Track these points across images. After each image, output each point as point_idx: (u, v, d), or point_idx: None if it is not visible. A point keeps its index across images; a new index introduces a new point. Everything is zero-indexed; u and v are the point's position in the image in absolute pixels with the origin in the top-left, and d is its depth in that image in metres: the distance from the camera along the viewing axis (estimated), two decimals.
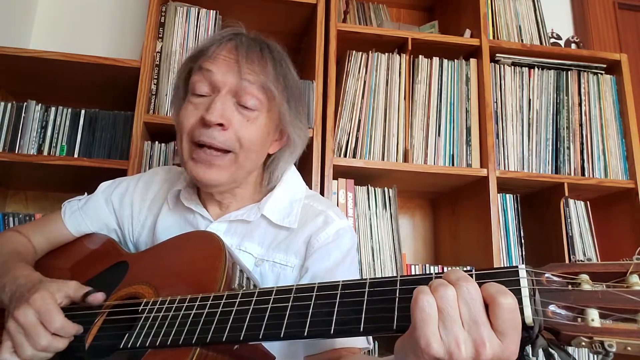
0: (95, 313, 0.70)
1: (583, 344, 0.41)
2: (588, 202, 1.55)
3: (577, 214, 1.52)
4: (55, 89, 1.56)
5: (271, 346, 0.65)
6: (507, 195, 1.53)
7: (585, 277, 0.44)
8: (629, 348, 0.40)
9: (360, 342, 0.75)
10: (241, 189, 0.86)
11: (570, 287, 0.44)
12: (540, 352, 0.44)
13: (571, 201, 1.52)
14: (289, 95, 0.81)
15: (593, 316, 0.42)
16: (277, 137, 0.85)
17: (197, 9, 1.49)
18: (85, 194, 0.97)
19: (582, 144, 1.58)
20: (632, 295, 0.41)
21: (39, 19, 1.76)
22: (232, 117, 0.76)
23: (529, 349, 0.44)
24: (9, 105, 1.41)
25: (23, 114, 1.40)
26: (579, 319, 0.43)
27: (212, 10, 1.50)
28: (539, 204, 1.63)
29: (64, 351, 0.65)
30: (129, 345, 0.61)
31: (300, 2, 1.50)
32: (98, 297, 0.68)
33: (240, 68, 0.75)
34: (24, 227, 0.92)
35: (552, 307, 0.43)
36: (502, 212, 1.50)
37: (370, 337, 0.79)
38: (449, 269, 0.48)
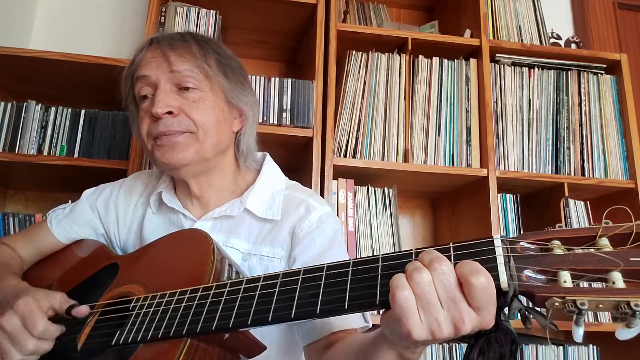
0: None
1: (557, 304, 0.43)
2: (588, 202, 1.55)
3: (577, 214, 1.52)
4: (55, 89, 1.56)
5: (267, 337, 0.65)
6: (507, 195, 1.53)
7: (557, 243, 0.47)
8: (601, 305, 0.42)
9: (358, 323, 0.75)
10: (217, 175, 0.86)
11: (543, 252, 0.47)
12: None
13: (571, 201, 1.52)
14: (224, 68, 0.83)
15: (565, 278, 0.44)
16: (237, 114, 0.87)
17: (197, 9, 1.49)
18: (70, 201, 0.98)
19: (582, 144, 1.58)
20: (602, 255, 0.44)
21: (39, 19, 1.76)
22: (178, 102, 0.79)
23: (506, 311, 0.46)
24: (9, 105, 1.41)
25: (23, 114, 1.40)
26: (553, 282, 0.45)
27: (212, 10, 1.50)
28: (539, 204, 1.63)
29: (56, 353, 0.65)
30: (120, 342, 0.61)
31: (300, 2, 1.50)
32: (82, 310, 0.69)
33: (168, 59, 0.79)
34: (9, 239, 0.93)
35: (526, 272, 0.46)
36: (502, 212, 1.50)
37: (369, 316, 0.78)
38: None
